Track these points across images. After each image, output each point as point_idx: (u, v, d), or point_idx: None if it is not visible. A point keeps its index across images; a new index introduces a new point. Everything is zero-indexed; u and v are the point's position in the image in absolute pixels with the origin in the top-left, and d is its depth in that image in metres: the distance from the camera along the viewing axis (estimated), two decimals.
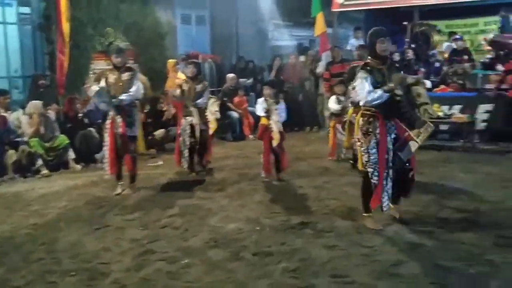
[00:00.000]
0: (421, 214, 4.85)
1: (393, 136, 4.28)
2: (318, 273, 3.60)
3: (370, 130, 4.26)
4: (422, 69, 10.40)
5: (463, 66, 9.68)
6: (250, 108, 10.17)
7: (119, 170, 6.00)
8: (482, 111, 8.78)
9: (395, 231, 4.38)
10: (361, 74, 4.25)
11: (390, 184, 4.29)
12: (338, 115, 7.46)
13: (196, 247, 4.20)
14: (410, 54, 10.57)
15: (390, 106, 4.18)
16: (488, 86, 9.07)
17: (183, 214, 5.12)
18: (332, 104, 7.54)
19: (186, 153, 6.69)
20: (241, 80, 10.85)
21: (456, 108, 8.99)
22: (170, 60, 9.55)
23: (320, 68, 10.45)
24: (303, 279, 3.52)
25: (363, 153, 4.34)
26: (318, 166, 7.31)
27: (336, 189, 5.96)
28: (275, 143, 6.14)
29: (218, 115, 7.27)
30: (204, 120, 6.83)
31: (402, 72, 4.38)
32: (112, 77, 5.80)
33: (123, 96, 5.72)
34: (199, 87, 6.76)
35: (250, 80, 11.07)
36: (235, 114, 10.14)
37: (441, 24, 13.08)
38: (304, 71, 11.25)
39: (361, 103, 4.40)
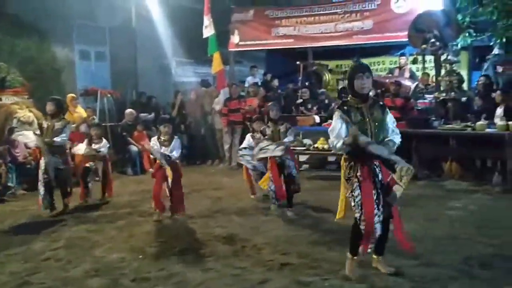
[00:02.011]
0: (294, 236, 5.31)
1: (380, 178, 3.88)
2: None
3: (351, 174, 3.87)
4: (315, 108, 11.26)
5: None
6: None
7: None
8: None
9: (267, 253, 4.77)
10: (336, 114, 3.86)
11: (379, 229, 3.87)
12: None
13: (75, 277, 4.31)
14: (306, 94, 11.33)
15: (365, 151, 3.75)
16: None
17: (68, 246, 5.19)
18: (248, 140, 7.35)
19: (42, 191, 6.52)
20: (141, 115, 11.04)
21: None
22: (69, 95, 9.63)
23: (218, 104, 10.91)
24: None
25: (349, 198, 3.96)
26: (213, 197, 7.64)
27: (224, 218, 6.31)
28: (169, 179, 6.15)
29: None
30: (63, 158, 6.69)
31: (374, 108, 3.89)
32: None
33: None
34: (58, 124, 6.57)
35: (151, 115, 11.28)
36: (134, 149, 10.27)
37: (332, 63, 14.20)
38: (205, 106, 11.69)
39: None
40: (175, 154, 6.25)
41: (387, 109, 3.94)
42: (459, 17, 8.91)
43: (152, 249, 5.04)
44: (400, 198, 6.52)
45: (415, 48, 9.94)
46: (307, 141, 9.65)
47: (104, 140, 7.72)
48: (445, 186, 7.91)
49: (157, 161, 6.37)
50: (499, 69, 10.21)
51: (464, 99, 9.00)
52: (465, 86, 10.49)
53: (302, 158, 10.03)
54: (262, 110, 10.29)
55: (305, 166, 10.11)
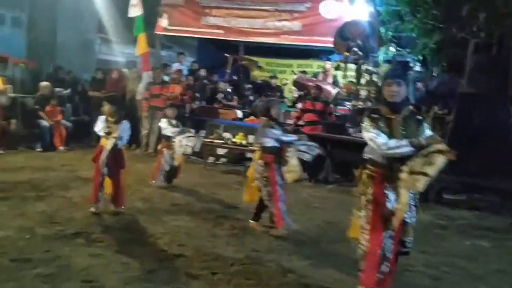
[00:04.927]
0: (195, 228, 5.26)
1: (392, 204, 3.39)
2: (71, 278, 3.71)
3: (363, 191, 3.52)
4: (236, 98, 11.27)
5: None
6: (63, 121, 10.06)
7: None
8: None
9: (163, 243, 4.68)
10: (365, 124, 3.45)
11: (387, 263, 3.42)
12: (168, 139, 7.16)
13: None
14: (225, 87, 11.40)
15: (392, 169, 3.37)
16: (289, 121, 10.13)
17: None
18: (165, 126, 7.17)
19: None
20: (57, 89, 10.49)
21: None
22: None
23: (141, 90, 10.56)
24: (54, 283, 3.60)
25: (356, 217, 3.61)
26: None
27: (127, 204, 6.06)
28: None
29: None
30: None
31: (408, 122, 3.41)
32: None
33: None
34: None
35: (68, 91, 10.77)
36: (45, 123, 9.74)
37: (262, 60, 14.29)
38: (129, 87, 11.27)
39: (365, 156, 3.56)
40: (123, 140, 5.60)
41: (425, 125, 3.43)
42: (382, 30, 9.21)
43: (42, 230, 4.78)
44: (304, 199, 6.62)
45: (339, 55, 10.18)
46: (226, 134, 9.64)
47: None
48: (353, 191, 8.13)
49: (101, 145, 5.55)
50: (418, 85, 10.68)
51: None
52: None
53: (221, 151, 9.98)
54: (183, 98, 10.16)
55: (223, 159, 10.06)
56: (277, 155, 5.26)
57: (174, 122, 7.28)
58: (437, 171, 3.19)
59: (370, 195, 3.44)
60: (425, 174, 3.19)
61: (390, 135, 3.34)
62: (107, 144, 5.43)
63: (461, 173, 7.52)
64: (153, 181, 7.20)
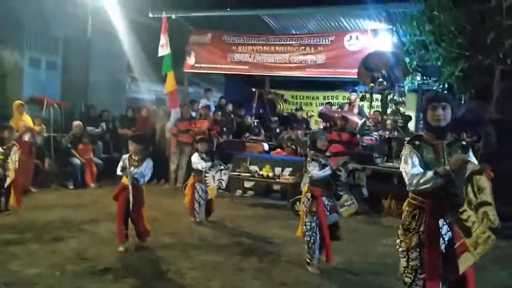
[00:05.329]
0: (222, 262, 5.27)
1: (446, 238, 3.18)
2: None
3: (413, 226, 3.23)
4: (262, 131, 11.37)
5: (296, 133, 10.74)
6: (95, 159, 10.32)
7: None
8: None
9: (190, 278, 4.69)
10: (405, 150, 3.27)
11: None
12: (199, 173, 7.25)
13: None
14: (249, 119, 11.60)
15: (442, 198, 3.11)
16: None
17: None
18: (197, 160, 7.29)
19: None
20: (88, 128, 10.82)
21: (288, 170, 9.86)
22: (16, 102, 9.42)
23: (169, 128, 10.78)
24: None
25: (401, 256, 3.29)
26: (148, 216, 7.42)
27: (154, 239, 6.10)
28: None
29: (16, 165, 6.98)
30: None
31: (453, 149, 3.21)
32: None
33: None
34: None
35: (99, 129, 11.08)
36: (77, 161, 10.00)
37: (287, 93, 14.46)
38: (158, 124, 11.50)
39: (408, 188, 3.28)
40: (145, 178, 5.66)
41: (471, 152, 3.23)
42: (407, 59, 9.20)
43: (72, 267, 4.87)
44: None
45: (364, 86, 10.20)
46: (253, 167, 9.69)
47: None
48: (382, 222, 8.03)
49: (122, 183, 5.76)
50: None
51: (407, 139, 9.23)
52: (412, 126, 10.79)
53: (248, 184, 10.03)
54: (211, 133, 10.31)
55: (250, 192, 10.10)
56: (325, 188, 5.11)
57: (204, 156, 7.40)
58: (492, 194, 2.86)
59: (422, 232, 3.17)
60: (487, 204, 2.86)
61: (436, 163, 3.15)
62: (128, 180, 5.54)
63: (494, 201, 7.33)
64: (192, 219, 7.20)
